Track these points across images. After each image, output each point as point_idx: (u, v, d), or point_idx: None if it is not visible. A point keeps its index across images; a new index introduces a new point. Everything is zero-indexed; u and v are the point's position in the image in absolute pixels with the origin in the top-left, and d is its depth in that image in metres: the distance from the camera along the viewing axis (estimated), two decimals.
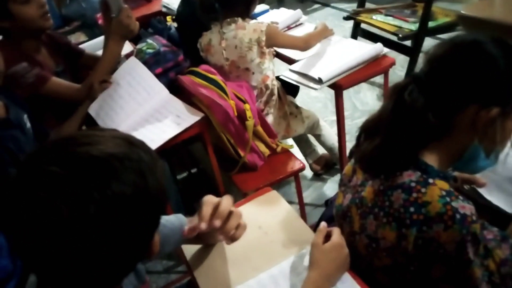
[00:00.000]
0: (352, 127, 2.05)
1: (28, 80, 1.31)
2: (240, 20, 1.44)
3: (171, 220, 0.84)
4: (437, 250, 0.66)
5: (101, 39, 1.74)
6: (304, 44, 1.57)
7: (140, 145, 0.52)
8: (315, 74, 1.45)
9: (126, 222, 0.47)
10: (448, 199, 0.66)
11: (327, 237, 0.78)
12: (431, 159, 0.72)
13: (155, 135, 1.30)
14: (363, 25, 2.53)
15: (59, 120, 1.41)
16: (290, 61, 1.66)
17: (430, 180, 0.69)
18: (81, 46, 1.76)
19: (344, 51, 1.58)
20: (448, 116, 0.69)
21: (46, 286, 0.55)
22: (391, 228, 0.71)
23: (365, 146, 0.76)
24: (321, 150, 1.94)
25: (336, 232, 0.79)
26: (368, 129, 0.77)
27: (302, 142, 1.91)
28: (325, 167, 1.97)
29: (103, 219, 0.46)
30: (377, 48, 1.52)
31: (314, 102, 2.50)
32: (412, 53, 2.26)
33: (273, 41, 1.49)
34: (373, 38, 2.44)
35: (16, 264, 0.87)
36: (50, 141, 0.51)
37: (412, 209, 0.68)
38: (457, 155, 0.74)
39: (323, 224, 0.81)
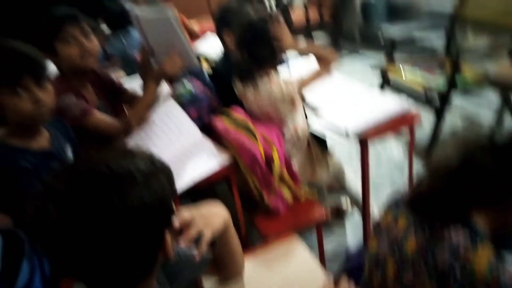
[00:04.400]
0: (376, 178, 2.06)
1: (73, 112, 1.40)
2: (273, 73, 1.52)
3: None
4: None
5: (137, 76, 1.84)
6: (328, 73, 1.58)
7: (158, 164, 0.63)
8: (342, 125, 1.50)
9: (144, 225, 0.56)
10: (495, 268, 0.67)
11: None
12: (479, 222, 0.74)
13: (185, 174, 1.35)
14: (390, 77, 2.59)
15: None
16: (318, 109, 1.71)
17: (478, 245, 0.70)
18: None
19: (371, 103, 1.62)
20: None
21: None
22: (431, 284, 0.72)
23: (425, 186, 0.78)
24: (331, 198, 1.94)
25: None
26: (434, 173, 0.79)
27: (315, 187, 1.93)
28: (336, 215, 1.97)
29: (129, 219, 0.54)
30: (404, 104, 1.57)
31: (339, 149, 2.53)
32: (439, 109, 2.29)
33: (304, 88, 1.55)
34: (400, 90, 2.49)
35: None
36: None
37: (457, 273, 0.69)
38: (504, 227, 0.76)
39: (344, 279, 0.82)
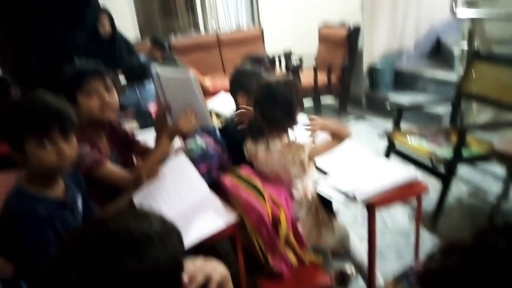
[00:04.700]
0: (381, 244, 2.03)
1: (87, 162, 1.43)
2: (285, 136, 1.55)
3: None
4: None
5: (151, 129, 1.88)
6: (339, 145, 1.61)
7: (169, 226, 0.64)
8: (349, 191, 1.51)
9: (158, 284, 0.58)
10: None
11: None
12: None
13: (191, 231, 1.34)
14: (397, 144, 2.63)
15: (108, 198, 1.49)
16: (326, 173, 1.73)
17: None
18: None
19: (378, 171, 1.64)
20: None
21: None
22: None
23: (436, 264, 0.76)
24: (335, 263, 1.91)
25: None
26: (446, 251, 0.78)
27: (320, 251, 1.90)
28: (340, 281, 1.92)
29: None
30: (412, 173, 1.58)
31: (344, 214, 2.52)
32: (445, 179, 2.30)
33: (314, 157, 1.58)
34: (406, 158, 2.52)
35: None
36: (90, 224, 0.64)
37: None
38: None
39: None
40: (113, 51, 3.89)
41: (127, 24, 4.97)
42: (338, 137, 1.59)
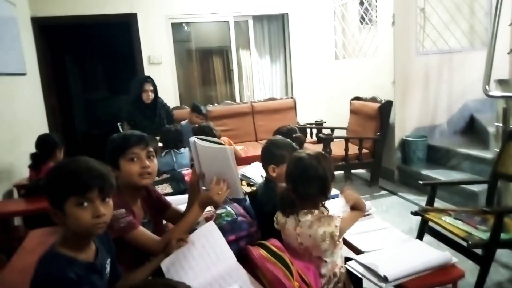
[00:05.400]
0: None
1: (120, 224, 1.47)
2: (316, 212, 1.56)
3: None
4: None
5: (185, 197, 1.93)
6: (361, 215, 1.63)
7: None
8: (381, 271, 1.46)
9: None
10: None
11: None
12: None
13: None
14: (430, 222, 2.54)
15: (136, 262, 1.51)
16: (357, 251, 1.69)
17: None
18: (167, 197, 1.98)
19: (412, 253, 1.60)
20: None
21: None
22: None
23: None
24: None
25: None
26: None
27: None
28: None
29: None
30: (447, 257, 1.53)
31: None
32: (483, 263, 2.18)
33: (344, 231, 1.57)
34: (441, 238, 2.42)
35: None
36: None
37: None
38: None
39: None
40: (153, 116, 4.12)
41: (169, 92, 5.30)
42: (359, 209, 1.61)
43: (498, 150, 2.71)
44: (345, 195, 1.61)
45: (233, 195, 1.65)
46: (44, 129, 4.72)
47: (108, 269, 1.28)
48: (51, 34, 5.35)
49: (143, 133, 1.62)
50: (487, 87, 3.19)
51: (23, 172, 3.48)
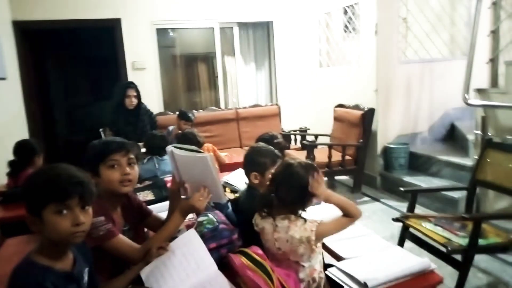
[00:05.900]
0: None
1: (99, 233, 1.45)
2: (293, 217, 1.56)
3: None
4: None
5: (167, 204, 1.91)
6: (351, 222, 1.57)
7: None
8: (361, 277, 1.47)
9: None
10: None
11: None
12: None
13: None
14: (411, 227, 2.57)
15: (114, 270, 1.48)
16: (337, 257, 1.70)
17: None
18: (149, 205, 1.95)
19: (391, 259, 1.61)
20: None
21: None
22: None
23: None
24: None
25: None
26: None
27: None
28: None
29: None
30: (425, 263, 1.55)
31: None
32: (462, 268, 2.21)
33: (322, 237, 1.57)
34: (421, 244, 2.46)
35: None
36: None
37: None
38: None
39: None
40: (136, 122, 4.09)
41: (153, 98, 5.26)
42: (349, 215, 1.57)
43: (477, 158, 2.77)
44: (310, 185, 1.53)
45: (215, 200, 1.64)
46: (24, 134, 4.63)
47: (86, 278, 1.26)
48: (34, 38, 5.27)
49: (124, 140, 1.60)
50: (466, 95, 3.26)
51: (1, 179, 3.41)
